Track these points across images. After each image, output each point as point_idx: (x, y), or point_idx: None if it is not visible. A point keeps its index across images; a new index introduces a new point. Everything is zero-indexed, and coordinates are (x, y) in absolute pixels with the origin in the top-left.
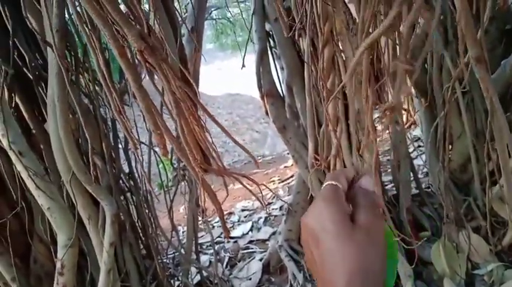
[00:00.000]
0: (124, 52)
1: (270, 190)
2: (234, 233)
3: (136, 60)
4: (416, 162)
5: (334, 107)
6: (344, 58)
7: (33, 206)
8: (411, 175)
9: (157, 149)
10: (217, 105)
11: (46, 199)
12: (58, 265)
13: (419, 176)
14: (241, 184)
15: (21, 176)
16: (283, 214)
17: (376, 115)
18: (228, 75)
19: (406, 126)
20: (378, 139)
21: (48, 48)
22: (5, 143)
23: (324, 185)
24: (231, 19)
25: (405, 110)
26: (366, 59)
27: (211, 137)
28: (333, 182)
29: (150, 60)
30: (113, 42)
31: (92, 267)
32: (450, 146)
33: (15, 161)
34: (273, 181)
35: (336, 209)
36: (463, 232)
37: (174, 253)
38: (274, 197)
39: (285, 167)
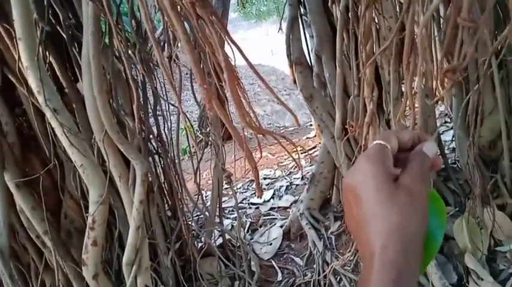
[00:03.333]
0: (175, 5)
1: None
2: (255, 200)
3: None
4: (442, 137)
5: (370, 73)
6: (378, 26)
7: (65, 164)
8: (438, 149)
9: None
10: (239, 75)
11: (79, 156)
12: (89, 220)
13: (446, 151)
14: (279, 143)
15: (54, 134)
16: (304, 184)
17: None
18: (251, 45)
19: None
20: (411, 109)
21: (84, 8)
22: (40, 100)
23: (372, 144)
24: None
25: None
26: (410, 26)
27: (247, 98)
28: (381, 142)
29: (200, 13)
30: None
31: (120, 224)
32: (481, 122)
33: (50, 118)
34: (297, 151)
35: (379, 168)
36: (488, 209)
37: (198, 215)
38: (296, 167)
39: (307, 138)
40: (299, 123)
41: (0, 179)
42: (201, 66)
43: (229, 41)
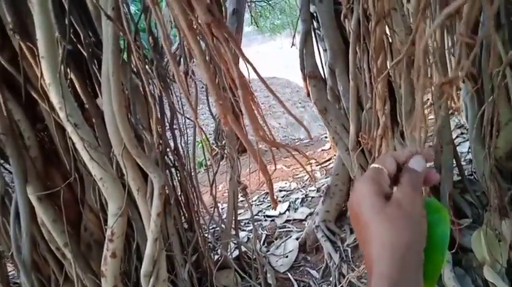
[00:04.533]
0: (192, 26)
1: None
2: (271, 212)
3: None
4: (459, 149)
5: (382, 87)
6: (390, 40)
7: (85, 178)
8: (454, 161)
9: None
10: (254, 88)
11: (99, 170)
12: (108, 232)
13: (462, 163)
14: (292, 156)
15: (75, 148)
16: (320, 196)
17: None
18: (265, 59)
19: (451, 112)
20: (424, 122)
21: (103, 27)
22: (62, 116)
23: (368, 168)
24: (270, 2)
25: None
26: (420, 40)
27: (261, 112)
28: (376, 165)
29: (216, 33)
30: (182, 16)
31: (138, 236)
32: (497, 133)
33: (71, 133)
34: (313, 163)
35: (372, 188)
36: (506, 221)
37: (214, 227)
38: (312, 179)
39: (322, 150)
40: (311, 137)
41: (23, 192)
42: (217, 81)
43: (243, 58)
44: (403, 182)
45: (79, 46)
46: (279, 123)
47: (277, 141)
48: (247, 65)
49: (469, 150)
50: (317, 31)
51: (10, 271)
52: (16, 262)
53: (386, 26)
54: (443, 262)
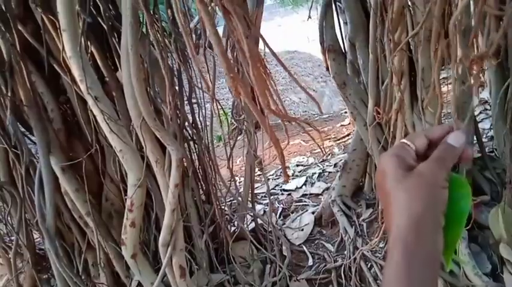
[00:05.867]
0: None
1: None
2: (288, 186)
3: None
4: (481, 125)
5: (399, 61)
6: (412, 12)
7: (106, 149)
8: (475, 137)
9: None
10: (275, 62)
11: (119, 142)
12: (128, 202)
13: (484, 139)
14: (305, 130)
15: (96, 121)
16: (337, 171)
17: (442, 75)
18: (287, 32)
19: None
20: (442, 97)
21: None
22: (83, 88)
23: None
24: None
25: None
26: (438, 12)
27: (275, 86)
28: (404, 141)
29: (226, 5)
30: None
31: (157, 207)
32: None
33: (91, 106)
34: (329, 138)
35: (394, 160)
36: None
37: (231, 200)
38: (329, 154)
39: (341, 125)
40: (322, 111)
41: (47, 163)
42: (235, 54)
43: (254, 32)
44: (433, 155)
45: (99, 19)
46: (299, 98)
47: (291, 115)
48: (260, 37)
49: (491, 127)
50: (338, 3)
51: (36, 238)
52: (41, 229)
53: None
54: (460, 236)
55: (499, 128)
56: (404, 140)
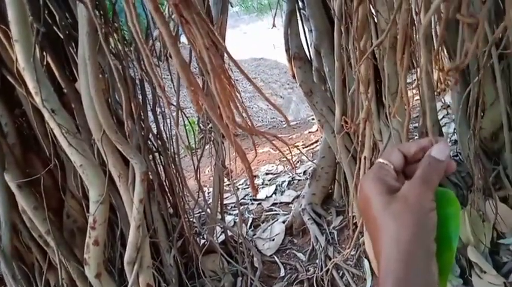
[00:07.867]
0: (158, 7)
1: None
2: (258, 196)
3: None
4: (444, 130)
5: (366, 69)
6: (376, 20)
7: (66, 164)
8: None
9: (184, 111)
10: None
11: (78, 156)
12: (90, 219)
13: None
14: (271, 143)
15: (53, 134)
16: (306, 179)
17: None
18: (253, 39)
19: (436, 93)
20: (409, 105)
21: (79, 7)
22: (38, 101)
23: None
24: None
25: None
26: (402, 20)
27: (240, 98)
28: (381, 160)
29: (184, 14)
30: None
31: (121, 223)
32: (482, 114)
33: (48, 119)
34: (297, 146)
35: (376, 184)
36: (490, 201)
37: (200, 212)
38: (298, 161)
39: (309, 132)
40: (289, 123)
41: (1, 180)
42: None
43: (215, 41)
44: (416, 174)
45: (55, 28)
46: (267, 105)
47: (259, 123)
48: (221, 47)
49: (455, 131)
50: (302, 11)
51: None
52: None
53: (371, 6)
54: (451, 261)
55: (462, 132)
56: (380, 160)
